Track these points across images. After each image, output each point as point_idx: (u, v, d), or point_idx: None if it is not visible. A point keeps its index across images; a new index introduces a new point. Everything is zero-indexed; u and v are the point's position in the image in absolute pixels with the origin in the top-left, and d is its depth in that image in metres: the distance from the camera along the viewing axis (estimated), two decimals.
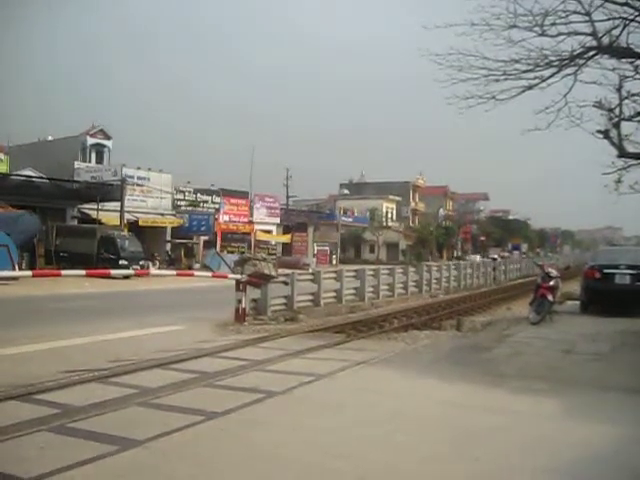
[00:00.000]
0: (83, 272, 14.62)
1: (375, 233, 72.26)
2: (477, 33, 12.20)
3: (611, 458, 5.52)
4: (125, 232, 36.27)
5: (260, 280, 16.07)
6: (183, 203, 48.19)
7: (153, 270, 31.70)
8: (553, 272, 15.66)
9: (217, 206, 50.05)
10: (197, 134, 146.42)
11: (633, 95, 13.41)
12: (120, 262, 31.93)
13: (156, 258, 39.22)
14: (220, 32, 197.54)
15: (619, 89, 13.27)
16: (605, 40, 12.02)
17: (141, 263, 33.73)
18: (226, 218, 50.39)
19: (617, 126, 13.67)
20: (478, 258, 72.21)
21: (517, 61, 12.38)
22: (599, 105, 13.55)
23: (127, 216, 39.24)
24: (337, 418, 6.59)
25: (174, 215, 46.44)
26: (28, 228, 29.22)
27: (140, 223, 41.28)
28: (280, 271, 19.23)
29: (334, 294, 21.48)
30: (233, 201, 52.17)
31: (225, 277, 17.49)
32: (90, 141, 47.12)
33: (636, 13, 11.60)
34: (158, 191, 44.61)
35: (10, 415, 6.43)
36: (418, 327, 16.27)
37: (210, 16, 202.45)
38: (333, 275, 22.29)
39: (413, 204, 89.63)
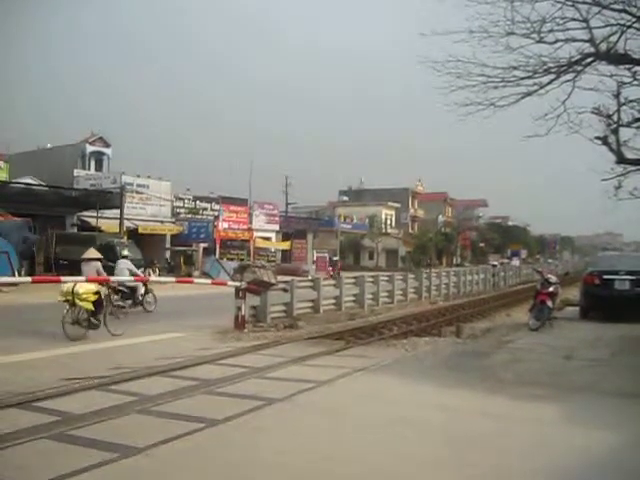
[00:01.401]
0: (83, 278, 14.57)
1: (374, 240, 72.26)
2: (475, 40, 12.26)
3: (610, 463, 5.53)
4: (124, 239, 36.23)
5: (259, 287, 16.07)
6: (182, 210, 48.21)
7: (152, 277, 31.60)
8: (552, 278, 15.68)
9: (216, 213, 50.06)
10: (197, 141, 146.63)
11: (631, 101, 13.45)
12: None
13: (155, 265, 39.17)
14: (220, 40, 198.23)
15: (617, 95, 13.31)
16: (603, 47, 12.07)
17: (140, 270, 33.65)
18: (225, 225, 50.38)
19: (616, 132, 13.71)
20: (514, 262, 71.84)
21: (515, 68, 12.42)
22: (597, 111, 13.59)
23: (126, 223, 39.22)
24: (337, 424, 6.59)
25: (173, 222, 46.44)
26: (23, 240, 29.23)
27: (139, 230, 41.26)
28: (279, 278, 19.21)
29: (334, 301, 21.48)
30: (232, 208, 52.18)
31: (224, 284, 17.47)
32: (89, 149, 47.17)
33: (633, 20, 11.65)
34: (157, 198, 44.64)
35: (10, 423, 6.44)
36: (418, 334, 16.24)
37: (210, 24, 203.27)
38: (332, 282, 22.29)
39: (412, 211, 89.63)
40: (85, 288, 13.00)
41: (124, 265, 18.36)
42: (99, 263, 14.36)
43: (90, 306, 13.04)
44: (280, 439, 6.08)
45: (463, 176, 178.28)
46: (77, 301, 12.85)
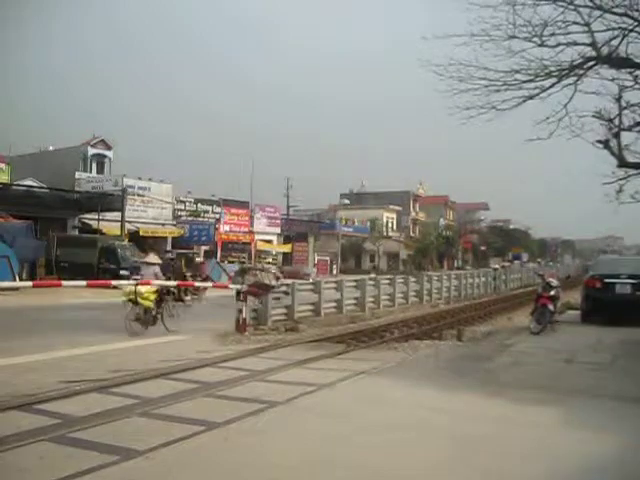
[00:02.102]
0: (84, 283, 14.61)
1: (375, 243, 72.25)
2: (477, 44, 12.31)
3: (611, 467, 5.51)
4: (126, 242, 36.26)
5: (260, 290, 16.06)
6: (184, 213, 48.25)
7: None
8: (554, 282, 15.66)
9: (217, 216, 50.11)
10: (198, 144, 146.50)
11: (632, 105, 13.48)
12: (121, 272, 31.87)
13: None
14: (221, 44, 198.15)
15: (619, 99, 13.34)
16: (604, 50, 12.10)
17: (141, 273, 33.60)
18: (226, 228, 50.44)
19: (617, 136, 13.73)
20: (529, 264, 75.45)
21: (517, 71, 12.45)
22: (599, 115, 13.61)
23: (128, 226, 39.28)
24: (338, 427, 6.58)
25: (175, 225, 46.48)
26: (32, 245, 29.26)
27: (141, 233, 41.30)
28: (280, 281, 19.21)
29: (335, 304, 21.46)
30: (233, 211, 52.25)
31: (226, 287, 17.48)
32: (91, 151, 47.21)
33: (635, 23, 11.68)
34: (159, 201, 44.67)
35: (11, 425, 6.43)
36: (419, 337, 16.25)
37: (211, 28, 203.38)
38: (334, 285, 22.29)
39: (413, 214, 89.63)
40: (146, 288, 14.42)
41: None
42: (158, 267, 15.86)
43: (150, 304, 14.50)
44: (281, 442, 6.07)
45: (464, 179, 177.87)
46: (139, 300, 14.21)
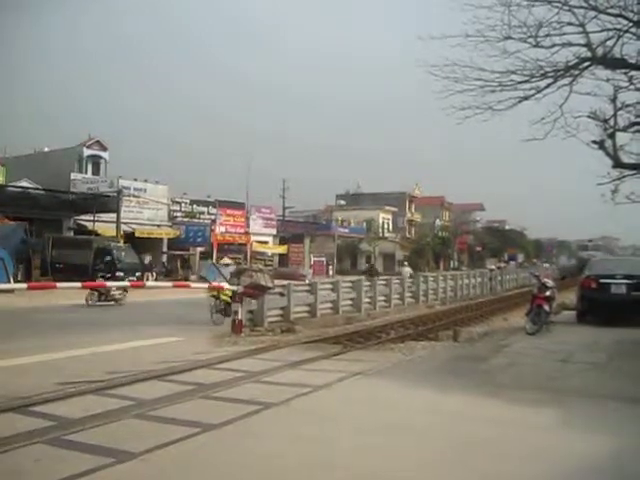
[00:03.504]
0: (79, 285, 14.53)
1: (371, 244, 72.20)
2: (472, 44, 12.33)
3: (609, 468, 5.51)
4: (121, 243, 36.19)
5: (256, 291, 16.04)
6: (179, 214, 48.19)
7: (150, 282, 31.51)
8: (549, 282, 15.68)
9: (213, 217, 50.04)
10: (198, 144, 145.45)
11: (627, 106, 13.51)
12: (116, 273, 31.80)
13: (153, 269, 39.11)
14: (221, 44, 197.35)
15: (614, 100, 13.36)
16: (599, 51, 12.13)
17: (137, 274, 33.60)
18: (222, 229, 50.35)
19: (612, 137, 13.76)
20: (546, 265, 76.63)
21: (513, 72, 12.47)
22: (594, 116, 13.63)
23: (123, 227, 39.17)
24: (334, 429, 6.56)
25: (170, 226, 46.40)
26: (20, 241, 29.25)
27: (136, 234, 41.21)
28: (276, 282, 19.20)
29: (331, 305, 21.45)
30: (229, 212, 52.16)
31: (222, 288, 17.47)
32: (86, 152, 47.03)
33: (630, 24, 11.70)
34: (154, 202, 44.59)
35: (6, 427, 6.41)
36: (415, 338, 16.25)
37: (210, 27, 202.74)
38: (330, 286, 22.28)
39: (409, 214, 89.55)
40: (227, 286, 16.58)
41: None
42: (233, 267, 19.69)
43: (229, 299, 16.69)
44: (277, 444, 6.05)
45: (461, 180, 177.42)
46: (221, 296, 16.91)
